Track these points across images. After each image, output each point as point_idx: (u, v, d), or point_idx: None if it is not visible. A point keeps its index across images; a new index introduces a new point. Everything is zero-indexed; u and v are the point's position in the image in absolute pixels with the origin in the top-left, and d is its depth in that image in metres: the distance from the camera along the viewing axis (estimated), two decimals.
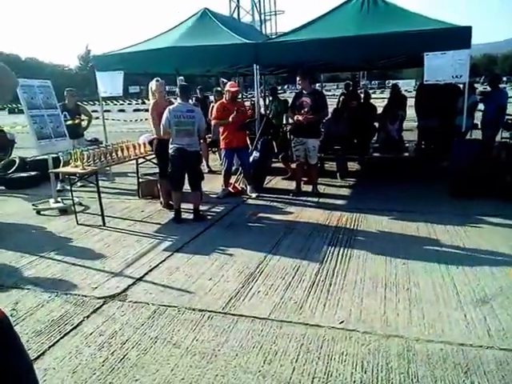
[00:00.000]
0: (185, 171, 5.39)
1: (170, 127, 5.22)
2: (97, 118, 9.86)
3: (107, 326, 3.02)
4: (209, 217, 5.58)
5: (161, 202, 6.08)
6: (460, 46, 5.58)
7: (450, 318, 2.94)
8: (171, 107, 5.30)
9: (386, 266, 3.85)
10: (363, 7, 6.78)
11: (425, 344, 2.66)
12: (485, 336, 2.72)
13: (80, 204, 6.13)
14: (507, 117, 7.69)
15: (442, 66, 5.69)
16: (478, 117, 8.01)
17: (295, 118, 6.11)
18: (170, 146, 5.31)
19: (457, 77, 5.81)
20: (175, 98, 6.14)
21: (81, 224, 5.39)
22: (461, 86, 6.84)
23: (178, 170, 5.35)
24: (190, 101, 6.09)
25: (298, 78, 6.21)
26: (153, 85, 5.70)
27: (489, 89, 7.94)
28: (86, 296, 3.49)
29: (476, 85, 9.95)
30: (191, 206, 5.50)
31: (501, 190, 5.69)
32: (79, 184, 6.79)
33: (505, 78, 40.44)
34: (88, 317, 3.16)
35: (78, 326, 3.04)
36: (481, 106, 7.99)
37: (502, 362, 2.47)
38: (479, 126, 7.83)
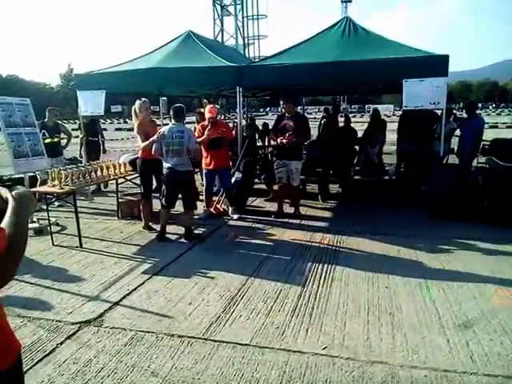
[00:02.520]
0: (177, 191, 5.39)
1: (162, 147, 5.25)
2: (77, 136, 9.72)
3: (82, 354, 2.89)
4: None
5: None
6: (438, 74, 5.74)
7: (433, 344, 2.92)
8: (163, 129, 5.37)
9: (369, 289, 3.83)
10: (344, 34, 6.97)
11: (409, 370, 2.63)
12: (468, 362, 2.70)
13: (57, 224, 5.96)
14: (483, 142, 7.89)
15: (420, 93, 5.84)
16: (454, 142, 8.21)
17: (279, 140, 6.13)
18: (164, 165, 5.33)
19: (434, 103, 5.97)
20: (158, 118, 6.15)
21: (57, 245, 5.23)
22: (438, 112, 7.03)
23: (169, 189, 5.35)
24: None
25: (281, 102, 6.27)
26: (137, 104, 5.66)
27: (465, 115, 8.18)
28: (60, 321, 3.34)
29: (454, 111, 10.22)
30: (173, 227, 5.43)
31: (478, 213, 5.79)
32: (57, 203, 6.63)
33: (480, 105, 42.11)
34: (62, 343, 3.02)
35: (51, 353, 2.90)
36: (457, 132, 8.20)
37: None
38: (455, 151, 8.02)
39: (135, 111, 5.68)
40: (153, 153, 5.39)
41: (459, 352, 2.81)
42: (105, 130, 31.10)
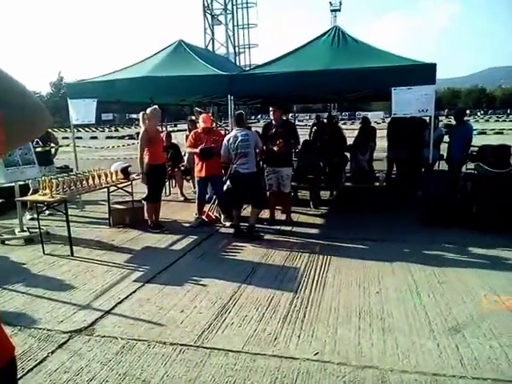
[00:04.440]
0: (242, 191, 5.69)
1: (230, 153, 5.68)
2: (67, 145, 9.69)
3: (73, 363, 2.87)
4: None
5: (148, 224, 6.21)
6: (426, 82, 5.83)
7: (424, 348, 2.95)
8: (228, 136, 5.76)
9: (360, 295, 3.86)
10: (333, 43, 7.06)
11: (399, 375, 2.65)
12: (458, 365, 2.73)
13: (47, 233, 5.92)
14: (472, 148, 7.99)
15: (409, 101, 5.92)
16: (443, 148, 8.32)
17: (269, 148, 6.18)
18: (231, 167, 5.75)
19: (423, 111, 6.06)
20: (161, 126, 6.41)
21: (48, 254, 5.19)
22: (427, 118, 7.13)
23: (235, 190, 5.79)
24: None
25: (271, 109, 6.33)
26: (148, 110, 5.96)
27: (453, 122, 8.28)
28: (50, 330, 3.32)
29: (440, 117, 10.36)
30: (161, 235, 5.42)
31: (468, 219, 5.86)
32: (47, 212, 6.59)
33: (468, 111, 42.83)
34: (53, 352, 3.00)
35: (41, 362, 2.88)
36: (446, 138, 8.31)
37: None
38: (444, 158, 8.12)
39: (144, 117, 5.93)
40: (221, 159, 5.89)
41: (449, 356, 2.84)
42: (95, 138, 31.06)
